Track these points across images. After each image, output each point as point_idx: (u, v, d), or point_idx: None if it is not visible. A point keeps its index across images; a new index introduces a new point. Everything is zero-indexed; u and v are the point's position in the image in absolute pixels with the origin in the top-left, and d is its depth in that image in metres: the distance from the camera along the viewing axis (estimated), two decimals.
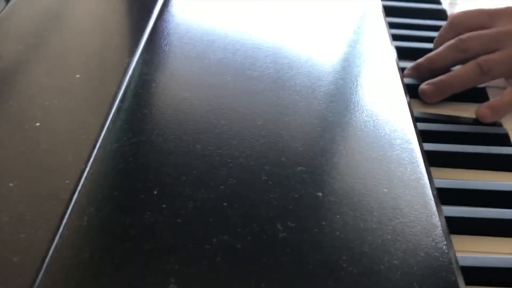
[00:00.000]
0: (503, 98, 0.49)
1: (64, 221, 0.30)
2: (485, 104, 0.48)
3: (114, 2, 0.51)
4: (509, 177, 0.43)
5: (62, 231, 0.29)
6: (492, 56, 0.48)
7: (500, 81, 0.52)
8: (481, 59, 0.49)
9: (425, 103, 0.50)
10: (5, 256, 0.28)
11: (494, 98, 0.50)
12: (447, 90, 0.49)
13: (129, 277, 0.28)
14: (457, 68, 0.51)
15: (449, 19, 0.54)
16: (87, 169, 0.33)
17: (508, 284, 0.34)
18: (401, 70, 0.48)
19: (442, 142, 0.45)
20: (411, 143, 0.38)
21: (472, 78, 0.49)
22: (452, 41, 0.50)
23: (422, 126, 0.46)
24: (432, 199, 0.34)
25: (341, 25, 0.51)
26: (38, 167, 0.33)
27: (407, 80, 0.51)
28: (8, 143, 0.35)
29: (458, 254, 0.33)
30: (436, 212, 0.33)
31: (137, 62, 0.42)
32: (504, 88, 0.51)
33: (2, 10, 0.45)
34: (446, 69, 0.51)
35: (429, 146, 0.44)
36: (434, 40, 0.54)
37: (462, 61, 0.50)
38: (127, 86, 0.40)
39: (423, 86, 0.50)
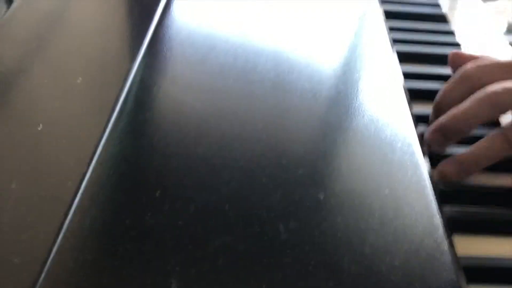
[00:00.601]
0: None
1: (66, 223, 0.30)
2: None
3: (116, 6, 0.52)
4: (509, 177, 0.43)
5: (63, 233, 0.29)
6: None
7: None
8: (507, 129, 0.40)
9: (425, 105, 0.50)
10: (7, 258, 0.28)
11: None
12: (471, 169, 0.41)
13: (131, 278, 0.28)
14: (479, 140, 0.41)
15: (461, 73, 0.44)
16: (89, 171, 0.33)
17: (509, 283, 0.34)
18: (401, 73, 0.49)
19: None
20: (412, 146, 0.38)
21: (500, 152, 0.40)
22: (481, 94, 0.41)
23: (422, 128, 0.46)
24: (433, 200, 0.34)
25: (342, 29, 0.51)
26: (40, 169, 0.34)
27: (408, 84, 0.51)
28: (11, 145, 0.35)
29: (460, 255, 0.33)
30: (437, 213, 0.33)
31: (138, 66, 0.42)
32: None
33: (3, 14, 0.45)
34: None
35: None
36: (441, 91, 0.45)
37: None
38: (129, 90, 0.40)
39: (443, 166, 0.41)
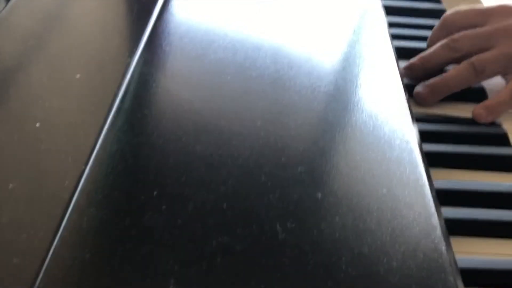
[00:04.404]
0: (498, 97, 0.49)
1: (64, 222, 0.30)
2: (480, 104, 0.48)
3: (114, 2, 0.51)
4: (509, 177, 0.43)
5: (62, 232, 0.29)
6: (485, 55, 0.49)
7: (499, 80, 0.52)
8: (474, 58, 0.49)
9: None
10: (5, 257, 0.28)
11: (490, 97, 0.50)
12: (442, 92, 0.50)
13: (129, 278, 0.28)
14: (451, 68, 0.51)
15: (441, 19, 0.54)
16: (87, 170, 0.33)
17: (507, 285, 0.34)
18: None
19: (441, 143, 0.45)
20: (410, 144, 0.38)
21: (466, 78, 0.49)
22: (444, 41, 0.50)
23: (421, 126, 0.46)
24: (431, 200, 0.34)
25: (341, 25, 0.51)
26: (38, 168, 0.33)
27: (407, 80, 0.51)
28: (8, 144, 0.35)
29: (457, 256, 0.33)
30: (435, 213, 0.33)
31: (137, 62, 0.42)
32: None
33: (2, 10, 0.45)
34: (440, 69, 0.51)
35: (428, 147, 0.44)
36: (427, 40, 0.54)
37: (456, 61, 0.50)
38: (127, 87, 0.40)
39: (418, 88, 0.50)
